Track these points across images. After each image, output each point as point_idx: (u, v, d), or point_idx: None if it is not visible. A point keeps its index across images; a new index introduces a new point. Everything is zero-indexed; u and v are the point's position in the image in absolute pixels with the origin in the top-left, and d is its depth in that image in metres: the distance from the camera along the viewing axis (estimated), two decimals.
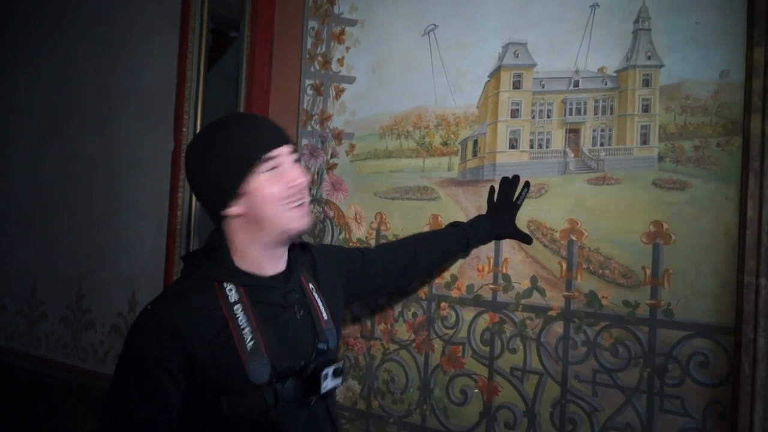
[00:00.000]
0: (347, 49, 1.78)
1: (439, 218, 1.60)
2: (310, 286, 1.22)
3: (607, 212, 1.38)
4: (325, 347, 1.16)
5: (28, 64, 2.64)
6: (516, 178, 1.49)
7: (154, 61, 2.17)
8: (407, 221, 1.66)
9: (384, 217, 1.70)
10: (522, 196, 1.48)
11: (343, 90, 1.79)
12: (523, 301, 1.48)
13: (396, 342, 1.67)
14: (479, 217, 1.53)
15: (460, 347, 1.56)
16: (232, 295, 1.09)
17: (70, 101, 2.47)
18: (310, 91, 1.85)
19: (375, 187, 1.71)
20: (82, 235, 2.38)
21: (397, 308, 1.67)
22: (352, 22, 1.78)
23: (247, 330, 1.07)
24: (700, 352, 1.27)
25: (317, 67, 1.84)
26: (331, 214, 1.79)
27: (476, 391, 1.54)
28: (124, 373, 1.06)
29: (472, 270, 1.56)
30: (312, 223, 1.21)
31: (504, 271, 1.51)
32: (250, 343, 1.06)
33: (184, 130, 2.05)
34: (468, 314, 1.56)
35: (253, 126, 1.13)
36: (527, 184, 1.48)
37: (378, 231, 1.71)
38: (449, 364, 1.58)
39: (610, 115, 1.39)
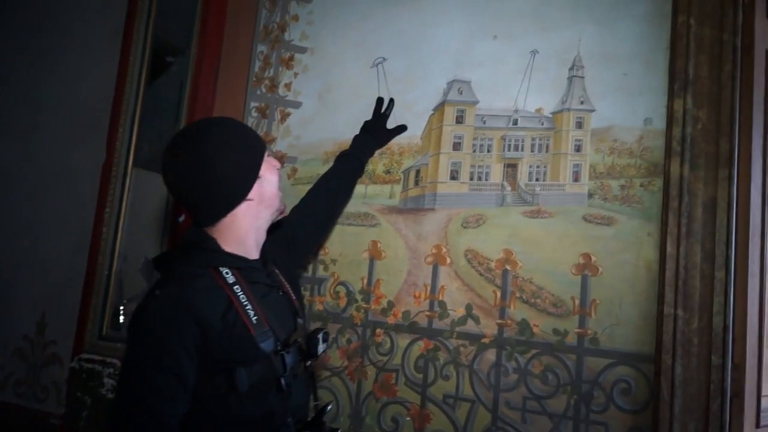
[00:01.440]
0: (295, 74, 1.81)
1: (379, 245, 1.62)
2: (276, 270, 1.32)
3: (540, 244, 1.44)
4: (302, 321, 1.29)
5: None
6: (381, 99, 1.65)
7: (92, 71, 2.11)
8: (346, 246, 1.67)
9: (323, 241, 1.70)
10: (390, 108, 1.65)
11: (288, 114, 1.81)
12: (457, 329, 1.51)
13: (328, 369, 1.65)
14: (360, 138, 1.64)
15: (394, 374, 1.56)
16: (230, 278, 1.17)
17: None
18: (254, 114, 1.85)
19: None
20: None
21: (331, 334, 1.65)
22: (302, 50, 1.81)
23: (249, 306, 1.15)
24: (623, 380, 1.34)
25: (263, 91, 1.85)
26: None
27: (408, 419, 1.53)
28: (142, 353, 1.10)
29: (408, 297, 1.58)
30: None
31: (440, 298, 1.54)
32: (254, 318, 1.15)
33: (118, 143, 1.98)
34: (403, 341, 1.57)
35: (243, 123, 1.35)
36: (392, 100, 1.65)
37: (316, 255, 1.70)
38: (382, 391, 1.57)
39: (546, 152, 1.48)
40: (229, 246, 1.22)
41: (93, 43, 2.15)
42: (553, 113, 1.48)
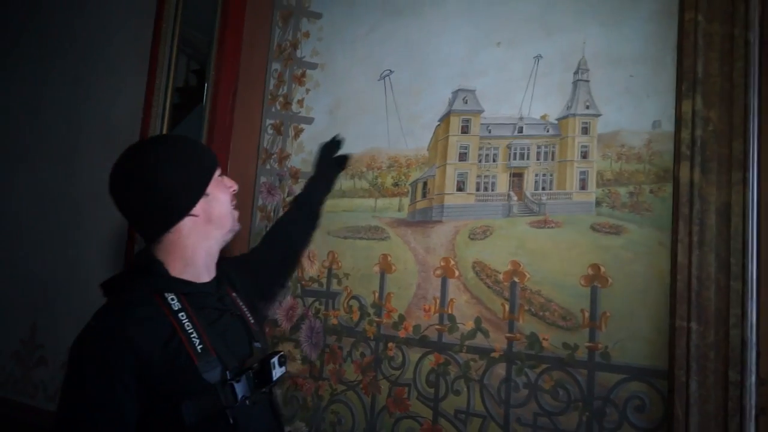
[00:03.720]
0: (307, 90, 1.83)
1: (389, 258, 1.62)
2: (233, 294, 1.31)
3: (548, 255, 1.40)
4: (260, 346, 1.25)
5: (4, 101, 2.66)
6: (335, 140, 1.69)
7: (123, 95, 2.21)
8: (358, 260, 1.67)
9: (336, 255, 1.71)
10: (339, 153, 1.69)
11: (301, 130, 1.83)
12: (467, 343, 1.48)
13: (343, 383, 1.65)
14: (312, 183, 1.68)
15: (406, 389, 1.55)
16: (175, 304, 1.14)
17: (40, 131, 2.48)
18: (270, 131, 1.89)
19: (328, 226, 1.73)
20: (38, 265, 2.35)
21: (346, 348, 1.66)
22: (313, 65, 1.83)
23: (194, 335, 1.12)
24: (636, 396, 1.28)
25: (278, 108, 1.88)
26: None
27: None
28: (76, 388, 1.06)
29: (419, 310, 1.56)
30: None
31: (450, 311, 1.52)
32: (200, 347, 1.11)
33: None
34: (414, 355, 1.55)
35: (199, 141, 1.33)
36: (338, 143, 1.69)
37: (330, 270, 1.72)
38: (395, 406, 1.56)
39: (552, 160, 1.43)
40: (176, 268, 1.19)
41: (124, 67, 2.25)
42: (559, 119, 1.43)
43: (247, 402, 1.14)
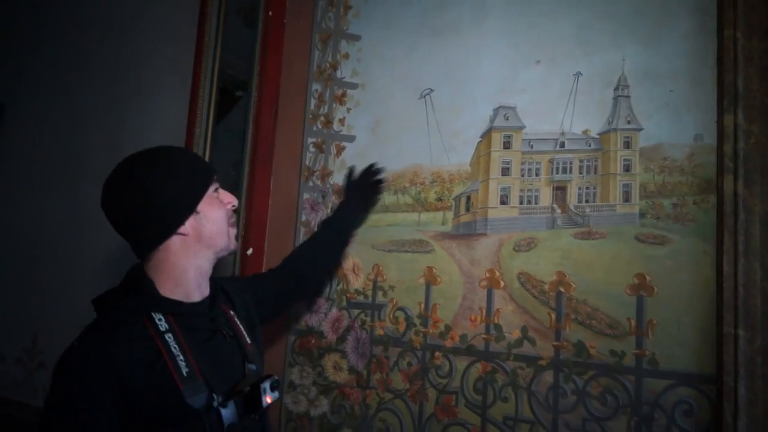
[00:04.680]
0: (348, 110, 1.90)
1: (434, 270, 1.67)
2: (231, 312, 1.28)
3: (593, 265, 1.45)
4: (255, 368, 1.21)
5: (38, 116, 2.73)
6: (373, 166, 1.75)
7: (162, 117, 2.28)
8: (403, 273, 1.73)
9: (381, 268, 1.76)
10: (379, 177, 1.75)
11: (343, 148, 1.90)
12: (514, 351, 1.53)
13: (391, 391, 1.70)
14: (346, 207, 1.72)
15: (454, 396, 1.60)
16: (162, 325, 1.10)
17: (78, 153, 2.55)
18: (312, 149, 1.95)
19: (372, 240, 1.79)
20: (83, 285, 2.42)
21: (393, 358, 1.71)
22: (354, 86, 1.90)
23: (180, 357, 1.08)
24: (684, 401, 1.32)
25: (319, 127, 1.95)
26: None
27: None
28: (56, 412, 1.03)
29: (465, 320, 1.61)
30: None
31: (496, 321, 1.56)
32: (186, 370, 1.07)
33: None
34: (461, 364, 1.60)
35: (195, 154, 1.27)
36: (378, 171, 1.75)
37: (375, 282, 1.77)
38: (443, 413, 1.61)
39: (594, 174, 1.49)
40: (166, 287, 1.16)
41: (163, 88, 2.32)
42: (600, 134, 1.48)
43: (240, 428, 1.10)
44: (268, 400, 1.14)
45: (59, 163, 2.62)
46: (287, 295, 1.62)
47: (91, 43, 2.60)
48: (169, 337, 1.09)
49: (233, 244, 1.25)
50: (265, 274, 1.62)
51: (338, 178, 1.89)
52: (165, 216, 1.15)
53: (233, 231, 1.25)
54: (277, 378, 1.18)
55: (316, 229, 1.80)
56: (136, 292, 1.15)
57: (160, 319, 1.10)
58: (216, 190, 1.23)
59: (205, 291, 1.24)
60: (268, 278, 1.57)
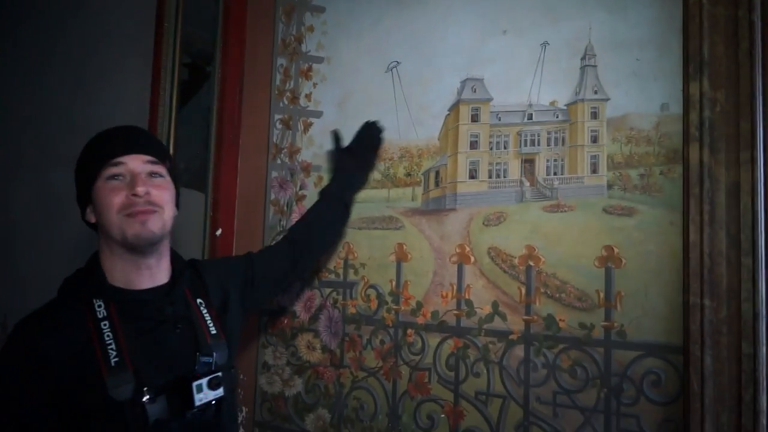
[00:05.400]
0: (314, 84, 1.85)
1: (404, 247, 1.65)
2: (198, 300, 1.22)
3: (561, 238, 1.44)
4: (210, 360, 1.14)
5: (3, 104, 2.66)
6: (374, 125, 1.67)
7: (127, 97, 2.22)
8: (374, 250, 1.70)
9: (351, 246, 1.74)
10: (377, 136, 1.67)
11: (311, 124, 1.85)
12: (485, 326, 1.52)
13: (364, 369, 1.70)
14: (341, 177, 1.65)
15: (426, 373, 1.60)
16: (101, 312, 1.07)
17: (45, 138, 2.49)
18: (279, 126, 1.91)
19: None
20: (52, 270, 2.37)
21: (365, 336, 1.70)
22: (319, 60, 1.85)
23: (112, 346, 1.03)
24: (652, 372, 1.32)
25: (286, 103, 1.90)
26: None
27: (443, 416, 1.56)
28: None
29: (436, 297, 1.60)
30: (159, 230, 1.15)
31: (467, 297, 1.55)
32: (115, 360, 1.02)
33: None
34: (433, 340, 1.60)
35: (104, 136, 1.19)
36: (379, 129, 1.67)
37: (346, 260, 1.75)
38: (416, 390, 1.61)
39: (562, 145, 1.46)
40: (110, 273, 1.13)
41: (126, 69, 2.25)
42: (568, 105, 1.46)
43: (172, 425, 1.04)
44: (202, 398, 1.07)
45: (28, 151, 2.55)
46: (280, 277, 1.58)
47: (54, 27, 2.52)
48: (104, 324, 1.05)
49: (138, 230, 1.11)
50: (263, 250, 1.60)
51: (306, 155, 1.85)
52: (78, 203, 1.19)
53: (136, 219, 1.12)
54: (219, 375, 1.11)
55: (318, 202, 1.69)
56: (87, 277, 1.14)
57: (99, 306, 1.07)
58: (115, 176, 1.13)
59: (157, 279, 1.20)
60: (267, 254, 1.55)
